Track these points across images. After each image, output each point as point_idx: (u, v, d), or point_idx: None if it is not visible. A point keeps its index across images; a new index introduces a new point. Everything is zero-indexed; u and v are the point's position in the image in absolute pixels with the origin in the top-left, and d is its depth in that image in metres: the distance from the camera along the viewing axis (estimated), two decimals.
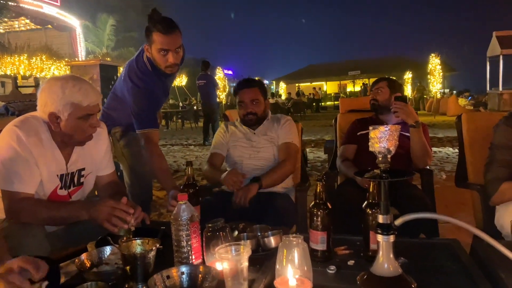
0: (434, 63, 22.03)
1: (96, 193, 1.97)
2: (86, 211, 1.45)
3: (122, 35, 30.59)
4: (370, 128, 1.07)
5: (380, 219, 1.09)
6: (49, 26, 18.15)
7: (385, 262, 1.09)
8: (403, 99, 2.32)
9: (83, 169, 1.71)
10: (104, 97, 3.65)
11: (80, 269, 1.22)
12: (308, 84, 37.68)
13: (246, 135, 2.34)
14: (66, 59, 14.17)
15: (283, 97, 25.89)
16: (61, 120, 1.51)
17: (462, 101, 15.85)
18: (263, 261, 1.28)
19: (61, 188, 1.63)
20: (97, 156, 1.76)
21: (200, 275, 1.13)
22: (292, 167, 2.27)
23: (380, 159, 1.07)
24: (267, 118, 2.35)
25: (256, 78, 2.53)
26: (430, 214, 1.07)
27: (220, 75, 23.23)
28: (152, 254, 1.17)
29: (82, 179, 1.71)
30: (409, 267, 1.22)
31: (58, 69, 13.43)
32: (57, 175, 1.61)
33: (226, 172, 2.10)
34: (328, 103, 30.18)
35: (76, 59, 16.38)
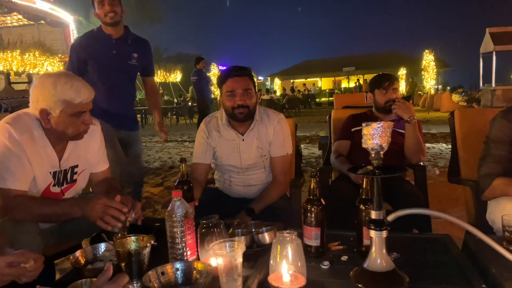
0: (428, 59, 22.12)
1: (91, 189, 1.96)
2: (79, 208, 1.44)
3: None
4: (363, 124, 1.08)
5: (373, 215, 1.10)
6: (42, 21, 17.96)
7: (378, 258, 1.10)
8: (407, 97, 2.37)
9: (76, 166, 1.70)
10: None
11: (74, 266, 1.23)
12: (303, 80, 37.70)
13: (234, 142, 2.08)
14: (60, 55, 14.04)
15: (278, 93, 25.89)
16: (52, 117, 1.50)
17: (455, 97, 15.91)
18: (258, 257, 1.29)
19: (54, 185, 1.62)
20: (91, 153, 1.76)
21: (194, 271, 1.14)
22: (287, 185, 2.17)
23: (373, 155, 1.07)
24: (256, 117, 2.07)
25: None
26: (422, 210, 1.08)
27: (215, 71, 23.19)
28: (146, 251, 1.17)
29: (75, 176, 1.71)
30: (402, 262, 1.24)
31: (52, 65, 13.30)
32: (50, 172, 1.60)
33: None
34: (323, 99, 30.21)
35: None
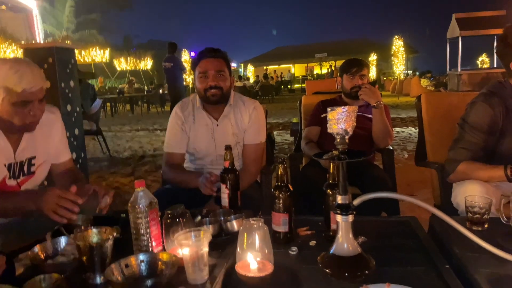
0: (398, 44, 22.50)
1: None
2: (33, 202, 1.36)
3: (83, 17, 29.49)
4: (328, 110, 1.07)
5: (339, 199, 1.10)
6: (3, 7, 17.13)
7: (345, 242, 1.10)
8: (372, 83, 2.39)
9: (34, 157, 1.62)
10: (62, 81, 3.50)
11: (32, 262, 1.17)
12: (276, 66, 37.74)
13: (208, 128, 2.04)
14: (23, 42, 13.48)
15: (251, 80, 25.81)
16: None
17: (424, 82, 16.33)
18: (226, 246, 1.27)
19: (9, 178, 1.54)
20: (51, 144, 1.67)
21: (160, 263, 1.11)
22: (258, 174, 2.13)
23: (338, 140, 1.07)
24: (230, 102, 2.03)
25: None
26: (386, 193, 1.09)
27: (186, 57, 22.83)
28: (109, 244, 1.13)
29: (33, 168, 1.62)
30: (369, 245, 1.25)
31: (14, 52, 12.77)
32: (5, 165, 1.51)
33: (201, 177, 1.78)
34: (296, 85, 30.33)
35: (33, 41, 15.62)
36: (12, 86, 1.37)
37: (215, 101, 1.97)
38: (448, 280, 1.03)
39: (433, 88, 14.79)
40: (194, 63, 1.98)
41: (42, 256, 1.22)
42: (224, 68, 1.95)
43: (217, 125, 2.03)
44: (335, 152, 1.08)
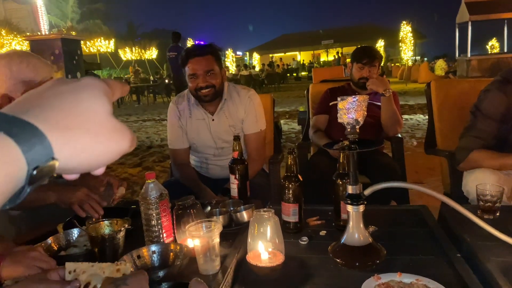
0: (406, 30, 22.18)
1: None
2: (54, 192, 1.39)
3: (87, 7, 29.48)
4: (338, 99, 1.06)
5: (350, 189, 1.10)
6: None
7: (355, 232, 1.10)
8: (380, 74, 2.36)
9: None
10: (69, 73, 3.51)
11: (46, 253, 1.19)
12: (282, 54, 37.49)
13: (204, 122, 2.02)
14: (28, 34, 13.50)
15: (257, 68, 25.67)
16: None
17: (442, 64, 15.75)
18: (236, 236, 1.28)
19: None
20: None
21: (171, 254, 1.12)
22: (263, 161, 2.12)
23: (348, 130, 1.06)
24: (224, 96, 2.00)
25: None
26: (397, 183, 1.08)
27: None
28: (121, 235, 1.14)
29: None
30: (379, 234, 1.25)
31: (20, 44, 12.81)
32: None
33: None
34: (303, 73, 30.12)
35: (39, 33, 15.64)
36: (30, 78, 1.38)
37: (208, 100, 1.96)
38: (459, 269, 1.03)
39: (443, 74, 14.55)
40: (183, 62, 1.94)
41: (55, 247, 1.23)
42: (213, 66, 1.91)
43: (213, 120, 2.02)
44: (346, 142, 1.07)
